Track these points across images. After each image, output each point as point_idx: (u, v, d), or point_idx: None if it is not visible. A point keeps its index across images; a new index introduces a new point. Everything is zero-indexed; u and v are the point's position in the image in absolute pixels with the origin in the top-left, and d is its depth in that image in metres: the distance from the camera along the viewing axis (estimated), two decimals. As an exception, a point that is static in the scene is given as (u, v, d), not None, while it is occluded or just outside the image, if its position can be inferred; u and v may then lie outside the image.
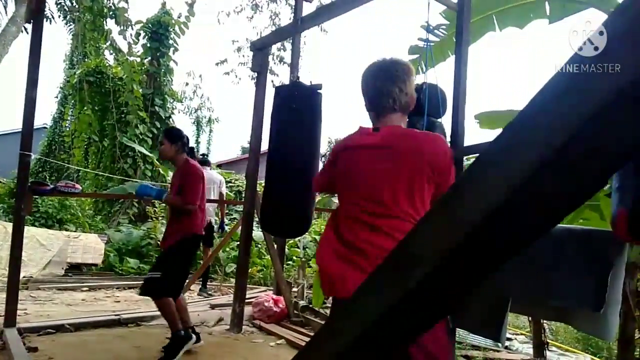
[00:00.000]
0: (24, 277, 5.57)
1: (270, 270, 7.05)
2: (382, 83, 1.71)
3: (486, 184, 0.46)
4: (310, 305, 4.80)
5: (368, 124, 1.83)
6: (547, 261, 1.80)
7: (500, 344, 3.88)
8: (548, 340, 3.66)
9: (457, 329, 3.16)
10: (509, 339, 4.41)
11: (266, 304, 4.57)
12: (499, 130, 0.49)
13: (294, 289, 5.19)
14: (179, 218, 3.49)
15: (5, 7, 12.44)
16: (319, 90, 3.36)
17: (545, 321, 3.34)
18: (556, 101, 0.43)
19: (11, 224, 5.13)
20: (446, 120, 2.85)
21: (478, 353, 3.97)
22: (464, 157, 2.96)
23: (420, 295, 0.50)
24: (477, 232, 0.46)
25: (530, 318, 3.60)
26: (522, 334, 4.76)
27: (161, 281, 3.34)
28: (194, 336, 3.48)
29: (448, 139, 2.88)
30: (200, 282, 6.15)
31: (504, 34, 4.01)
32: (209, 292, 6.07)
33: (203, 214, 3.60)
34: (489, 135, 4.02)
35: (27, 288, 5.59)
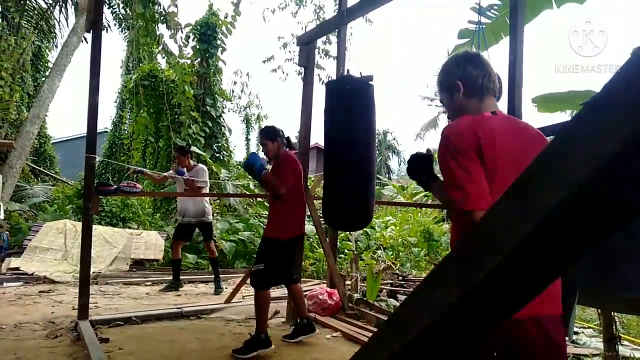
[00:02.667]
0: (93, 272, 5.92)
1: (323, 264, 7.09)
2: (482, 68, 1.65)
3: (563, 168, 0.42)
4: (365, 298, 4.79)
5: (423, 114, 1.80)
6: (620, 251, 1.68)
7: (567, 338, 3.69)
8: (620, 334, 3.44)
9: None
10: (576, 333, 4.19)
11: (320, 296, 4.60)
12: (558, 114, 0.46)
13: (348, 282, 5.19)
14: (272, 213, 3.62)
15: (66, 19, 13.24)
16: (370, 82, 3.32)
17: (616, 314, 3.14)
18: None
19: (80, 223, 5.47)
20: (502, 105, 2.73)
21: (542, 347, 3.81)
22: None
23: (491, 287, 0.47)
24: (552, 219, 0.42)
25: (599, 310, 3.39)
26: (590, 327, 4.51)
27: (264, 273, 3.46)
28: (273, 346, 3.50)
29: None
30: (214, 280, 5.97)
31: (562, 10, 3.78)
32: (220, 288, 5.82)
33: (298, 217, 3.64)
34: (548, 119, 3.82)
35: (96, 283, 5.94)
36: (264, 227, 8.49)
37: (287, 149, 3.70)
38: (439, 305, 0.50)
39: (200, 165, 6.05)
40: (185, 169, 5.73)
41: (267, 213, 9.78)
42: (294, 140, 3.96)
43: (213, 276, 5.98)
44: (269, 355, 3.46)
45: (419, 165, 1.80)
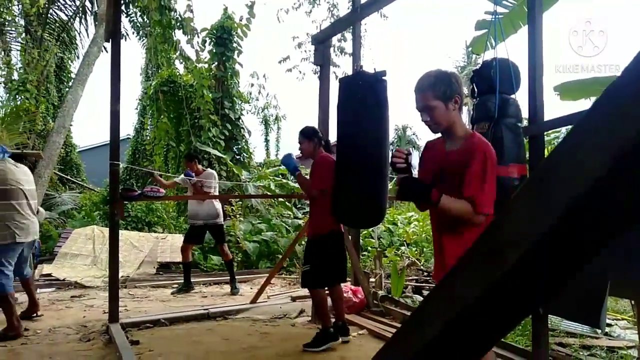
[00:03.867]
0: (121, 276, 6.06)
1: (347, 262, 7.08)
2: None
3: (584, 158, 0.41)
4: (390, 295, 4.77)
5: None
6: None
7: (599, 330, 3.61)
8: (655, 325, 3.34)
9: (551, 315, 2.98)
10: (609, 325, 4.08)
11: (345, 294, 4.60)
12: (582, 102, 0.45)
13: (372, 279, 5.18)
14: (313, 213, 3.75)
15: (86, 30, 13.55)
16: (383, 77, 3.30)
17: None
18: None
19: (107, 228, 5.59)
20: (522, 96, 2.68)
21: (574, 340, 3.72)
22: (544, 133, 2.77)
23: (514, 281, 0.47)
24: (574, 211, 0.41)
25: (633, 301, 3.30)
26: (623, 319, 4.39)
27: (311, 273, 3.60)
28: (340, 339, 3.65)
29: (524, 115, 2.71)
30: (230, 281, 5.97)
31: (568, 7, 3.68)
32: (236, 289, 5.85)
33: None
34: (572, 107, 3.73)
35: (125, 287, 6.07)
36: (287, 227, 8.52)
37: (324, 151, 3.77)
38: (461, 301, 0.50)
39: (209, 170, 6.15)
40: (194, 174, 5.85)
41: (289, 213, 9.83)
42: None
43: (230, 278, 5.99)
44: (296, 353, 3.49)
45: (409, 192, 1.91)
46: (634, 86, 0.39)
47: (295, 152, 4.59)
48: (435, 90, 1.91)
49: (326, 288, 3.76)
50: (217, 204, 5.95)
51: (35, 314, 4.51)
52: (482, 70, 2.60)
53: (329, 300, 3.77)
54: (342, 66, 11.36)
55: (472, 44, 4.47)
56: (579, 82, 3.34)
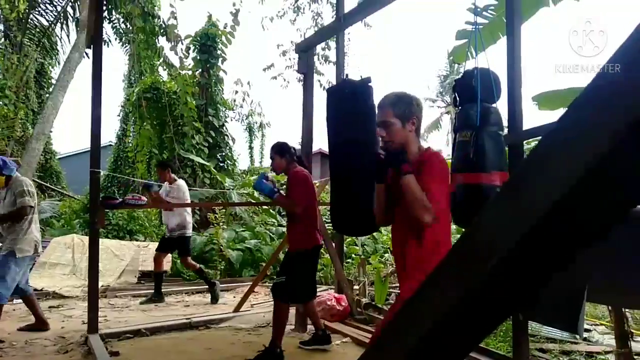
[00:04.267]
0: (102, 286, 5.94)
1: (330, 269, 7.08)
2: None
3: (556, 167, 0.43)
4: (373, 303, 4.77)
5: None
6: (629, 245, 1.68)
7: (577, 336, 3.67)
8: (632, 330, 3.42)
9: (530, 321, 3.02)
10: (588, 330, 4.16)
11: (329, 302, 4.60)
12: (559, 111, 0.46)
13: (355, 287, 5.18)
14: (293, 229, 3.66)
15: (68, 36, 13.38)
16: (369, 84, 3.34)
17: (627, 310, 3.12)
18: (628, 71, 0.39)
19: (87, 237, 5.50)
20: (502, 104, 2.74)
21: (554, 346, 3.78)
22: (524, 141, 2.83)
23: (490, 287, 0.48)
24: (548, 218, 0.43)
25: (609, 307, 3.37)
26: (602, 324, 4.47)
27: (286, 286, 3.51)
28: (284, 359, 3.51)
29: (505, 123, 2.76)
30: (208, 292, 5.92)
31: (559, 8, 3.79)
32: (216, 296, 5.77)
33: (312, 227, 3.65)
34: (549, 116, 3.81)
35: (105, 296, 5.96)
36: (271, 235, 8.44)
37: (297, 166, 3.72)
38: (440, 308, 0.50)
39: (180, 181, 6.05)
40: (167, 183, 5.86)
41: (273, 221, 9.79)
42: (297, 146, 4.00)
43: (208, 285, 5.89)
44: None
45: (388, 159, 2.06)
46: (600, 98, 0.40)
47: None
48: (395, 108, 2.03)
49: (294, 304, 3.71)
50: (187, 216, 5.87)
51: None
52: (464, 79, 2.65)
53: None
54: (327, 74, 11.43)
55: (453, 53, 4.54)
56: (556, 92, 3.42)
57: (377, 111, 2.12)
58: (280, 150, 3.71)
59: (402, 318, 0.54)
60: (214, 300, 5.73)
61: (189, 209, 6.02)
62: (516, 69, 2.77)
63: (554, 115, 3.67)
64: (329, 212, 4.14)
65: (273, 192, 3.57)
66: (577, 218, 0.43)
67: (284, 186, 4.08)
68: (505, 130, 2.82)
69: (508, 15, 2.83)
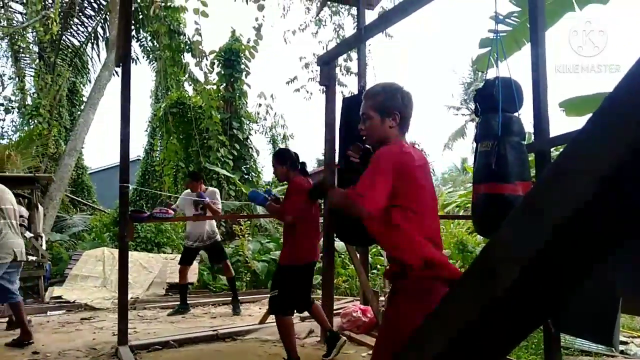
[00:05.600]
0: (131, 298, 6.06)
1: (355, 280, 7.04)
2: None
3: (576, 177, 0.43)
4: (399, 314, 4.71)
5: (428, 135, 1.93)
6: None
7: (613, 349, 3.53)
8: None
9: (563, 334, 2.92)
10: (624, 343, 3.99)
11: (354, 314, 4.56)
12: (587, 117, 0.46)
13: (382, 298, 5.13)
14: (288, 241, 3.62)
15: (98, 55, 13.87)
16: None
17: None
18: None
19: (117, 250, 5.63)
20: (527, 111, 2.70)
21: (589, 359, 3.65)
22: (552, 148, 2.77)
23: (511, 300, 0.48)
24: (567, 229, 0.42)
25: (647, 319, 3.24)
26: (639, 336, 4.29)
27: (279, 299, 3.47)
28: None
29: (529, 131, 2.72)
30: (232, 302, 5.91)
31: (585, 12, 3.72)
32: (238, 310, 5.80)
33: (313, 241, 3.63)
34: (578, 123, 3.73)
35: (134, 308, 6.07)
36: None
37: (298, 174, 3.66)
38: (459, 321, 0.50)
39: (212, 188, 6.13)
40: (187, 191, 5.86)
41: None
42: (321, 157, 4.03)
43: (233, 297, 5.90)
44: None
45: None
46: (619, 112, 0.40)
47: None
48: (375, 101, 1.87)
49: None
50: (213, 223, 5.92)
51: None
52: (485, 88, 2.62)
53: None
54: (349, 85, 11.47)
55: (477, 62, 4.50)
56: (582, 97, 3.35)
57: (362, 102, 1.95)
58: (280, 158, 3.68)
59: (422, 332, 0.54)
60: (237, 312, 5.74)
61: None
62: (541, 74, 2.73)
63: (582, 122, 3.59)
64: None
65: (265, 200, 3.59)
66: (595, 231, 0.42)
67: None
68: (532, 138, 2.78)
69: (532, 21, 2.79)
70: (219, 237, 5.92)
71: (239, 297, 6.04)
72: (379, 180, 1.75)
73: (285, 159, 3.67)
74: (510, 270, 0.47)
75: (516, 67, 2.78)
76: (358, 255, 4.83)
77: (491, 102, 2.49)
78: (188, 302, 6.01)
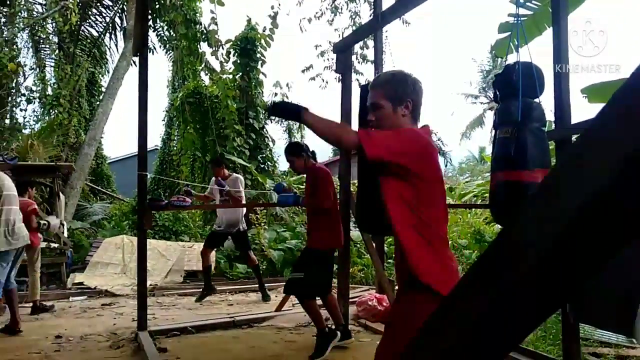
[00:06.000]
0: (150, 285, 6.17)
1: (371, 269, 7.04)
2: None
3: (593, 163, 0.41)
4: (415, 303, 4.70)
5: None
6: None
7: (634, 340, 3.47)
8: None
9: (582, 324, 2.88)
10: (646, 335, 3.92)
11: (370, 302, 4.57)
12: None
13: (397, 287, 5.12)
14: (317, 227, 3.71)
15: (116, 45, 13.99)
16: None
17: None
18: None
19: (136, 238, 5.73)
20: (548, 97, 2.63)
21: (609, 350, 3.59)
22: (573, 136, 2.71)
23: (526, 287, 0.46)
24: (584, 217, 0.41)
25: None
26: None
27: (304, 282, 3.57)
28: (338, 333, 3.66)
29: (549, 118, 2.66)
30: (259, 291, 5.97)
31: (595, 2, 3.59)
32: (267, 298, 5.88)
33: (336, 226, 3.75)
34: (599, 109, 3.63)
35: (153, 295, 6.19)
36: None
37: (314, 162, 3.82)
38: (471, 312, 0.49)
39: (235, 174, 6.14)
40: (213, 180, 5.84)
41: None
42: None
43: (259, 284, 5.99)
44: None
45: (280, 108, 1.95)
46: (637, 96, 0.38)
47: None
48: (386, 89, 1.78)
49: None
50: (239, 212, 5.96)
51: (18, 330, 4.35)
52: (505, 74, 2.57)
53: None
54: (365, 73, 11.36)
55: (495, 47, 4.41)
56: (605, 84, 3.25)
57: (369, 92, 1.85)
58: (296, 151, 3.82)
59: (437, 318, 0.53)
60: (266, 299, 5.82)
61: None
62: (563, 60, 2.66)
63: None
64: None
65: (298, 199, 3.71)
66: (616, 214, 0.40)
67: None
68: (553, 126, 2.71)
69: (554, 4, 2.72)
70: (242, 227, 5.93)
71: (257, 284, 6.08)
72: (391, 134, 1.71)
73: (299, 150, 3.80)
74: (526, 257, 0.45)
75: (537, 52, 2.71)
76: (374, 244, 4.82)
77: (511, 87, 2.44)
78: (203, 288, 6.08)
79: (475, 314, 0.48)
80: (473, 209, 10.25)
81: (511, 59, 2.67)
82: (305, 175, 4.07)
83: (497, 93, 2.59)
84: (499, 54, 4.49)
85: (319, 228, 3.70)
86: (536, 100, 2.52)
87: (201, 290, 5.98)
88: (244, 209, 6.01)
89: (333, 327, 3.73)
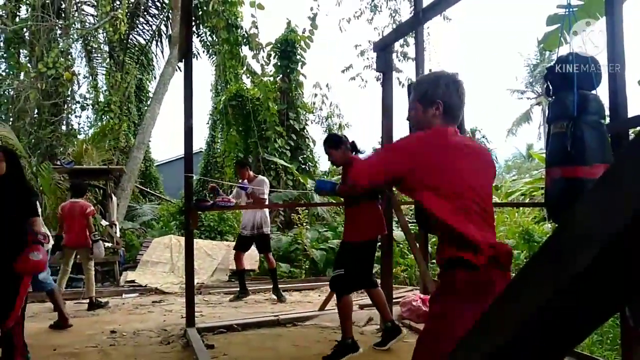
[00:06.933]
0: (197, 283, 6.35)
1: (414, 270, 6.95)
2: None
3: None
4: (461, 304, 4.60)
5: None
6: None
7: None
8: None
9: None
10: None
11: (414, 303, 4.51)
12: None
13: (442, 288, 5.02)
14: (351, 219, 3.67)
15: (162, 52, 14.52)
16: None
17: None
18: None
19: (183, 238, 5.91)
20: (603, 89, 2.51)
21: (672, 357, 3.38)
22: (630, 130, 2.57)
23: (584, 286, 0.45)
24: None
25: None
26: None
27: (345, 277, 3.53)
28: (360, 349, 3.54)
29: (607, 112, 2.52)
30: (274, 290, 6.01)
31: None
32: (282, 298, 5.90)
33: (374, 217, 3.66)
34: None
35: (200, 293, 6.37)
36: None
37: (354, 153, 3.73)
38: (532, 305, 0.48)
39: (261, 177, 6.18)
40: (246, 182, 5.86)
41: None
42: (379, 146, 4.01)
43: (274, 286, 5.99)
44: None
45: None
46: None
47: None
48: (418, 91, 1.83)
49: (362, 293, 3.66)
50: (265, 213, 5.98)
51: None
52: (558, 66, 2.46)
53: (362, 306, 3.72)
54: (406, 71, 11.23)
55: (544, 40, 4.24)
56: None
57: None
58: (336, 143, 3.70)
59: (493, 313, 0.52)
60: (281, 300, 5.84)
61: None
62: (617, 51, 2.53)
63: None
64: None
65: (334, 185, 3.57)
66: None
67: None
68: (608, 119, 2.58)
69: (606, -7, 2.59)
70: (267, 230, 5.95)
71: (302, 284, 6.10)
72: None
73: (339, 142, 3.71)
74: (584, 255, 0.44)
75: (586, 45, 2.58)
76: (417, 244, 4.75)
77: (565, 79, 2.33)
78: (249, 288, 6.20)
79: (535, 309, 0.46)
80: (521, 208, 9.91)
81: (563, 50, 2.56)
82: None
83: (550, 86, 2.49)
84: (548, 47, 4.31)
85: (353, 221, 3.64)
86: (593, 92, 2.40)
87: (237, 291, 6.09)
88: (267, 212, 6.01)
89: (353, 340, 3.57)
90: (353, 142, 3.80)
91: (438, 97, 1.78)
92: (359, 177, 1.81)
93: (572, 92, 2.27)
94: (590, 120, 2.28)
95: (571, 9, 2.68)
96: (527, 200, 10.28)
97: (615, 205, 0.40)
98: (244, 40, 11.46)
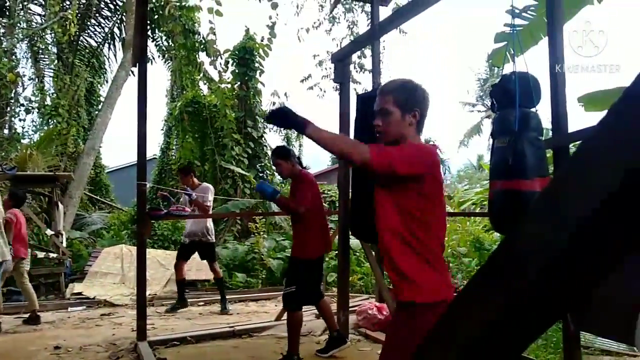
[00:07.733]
0: (149, 294, 6.14)
1: (370, 278, 7.03)
2: (428, 111, 1.88)
3: (596, 172, 0.42)
4: (415, 312, 4.69)
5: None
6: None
7: (635, 348, 3.46)
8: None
9: (583, 332, 2.88)
10: (646, 342, 3.91)
11: (370, 311, 4.56)
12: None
13: (397, 296, 5.11)
14: (301, 235, 3.64)
15: (115, 55, 14.06)
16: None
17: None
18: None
19: (135, 247, 5.71)
20: (544, 107, 2.66)
21: (610, 358, 3.59)
22: (570, 144, 2.73)
23: (530, 297, 0.47)
24: (588, 225, 0.42)
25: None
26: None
27: (296, 294, 3.53)
28: None
29: (546, 126, 2.68)
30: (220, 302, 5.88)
31: (605, 5, 3.65)
32: (228, 309, 5.78)
33: (323, 233, 3.70)
34: (597, 118, 3.66)
35: (152, 305, 6.16)
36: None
37: (301, 168, 3.76)
38: (482, 316, 0.50)
39: (205, 184, 6.05)
40: (189, 188, 5.70)
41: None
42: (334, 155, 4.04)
43: (221, 296, 5.87)
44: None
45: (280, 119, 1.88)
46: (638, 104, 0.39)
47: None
48: (396, 95, 1.78)
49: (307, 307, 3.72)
50: (209, 222, 5.84)
51: None
52: (501, 83, 2.59)
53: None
54: (363, 83, 11.42)
55: (492, 56, 4.45)
56: (603, 92, 3.29)
57: (377, 98, 1.85)
58: (285, 154, 3.70)
59: (440, 329, 0.54)
60: (224, 311, 5.70)
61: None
62: (558, 67, 2.68)
63: (601, 117, 3.51)
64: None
65: (275, 193, 3.49)
66: (620, 224, 0.42)
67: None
68: (550, 134, 2.74)
69: (549, 14, 2.75)
70: (211, 238, 5.81)
71: (258, 294, 6.00)
72: (416, 153, 1.74)
73: (288, 154, 3.70)
74: (531, 265, 0.46)
75: (533, 62, 2.74)
76: (373, 253, 4.82)
77: (508, 97, 2.46)
78: (205, 298, 6.05)
79: (480, 324, 0.48)
80: (472, 217, 10.26)
81: (508, 68, 2.70)
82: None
83: (495, 102, 2.62)
84: (495, 63, 4.53)
85: (298, 237, 3.65)
86: (533, 109, 2.54)
87: (175, 302, 5.91)
88: (210, 221, 5.87)
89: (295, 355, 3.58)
90: (299, 157, 3.86)
91: (417, 105, 1.79)
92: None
93: (514, 109, 2.40)
94: (530, 136, 2.42)
95: (515, 29, 2.83)
96: (478, 210, 10.67)
97: (554, 224, 0.43)
98: (201, 46, 11.29)
